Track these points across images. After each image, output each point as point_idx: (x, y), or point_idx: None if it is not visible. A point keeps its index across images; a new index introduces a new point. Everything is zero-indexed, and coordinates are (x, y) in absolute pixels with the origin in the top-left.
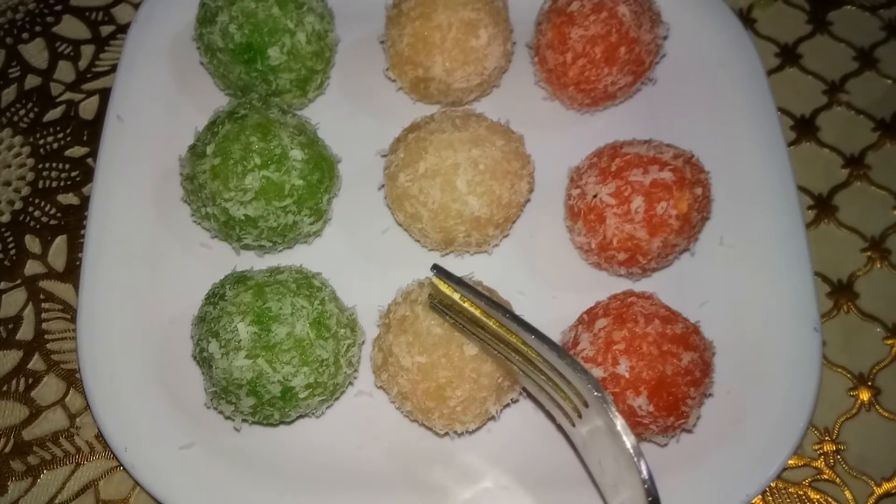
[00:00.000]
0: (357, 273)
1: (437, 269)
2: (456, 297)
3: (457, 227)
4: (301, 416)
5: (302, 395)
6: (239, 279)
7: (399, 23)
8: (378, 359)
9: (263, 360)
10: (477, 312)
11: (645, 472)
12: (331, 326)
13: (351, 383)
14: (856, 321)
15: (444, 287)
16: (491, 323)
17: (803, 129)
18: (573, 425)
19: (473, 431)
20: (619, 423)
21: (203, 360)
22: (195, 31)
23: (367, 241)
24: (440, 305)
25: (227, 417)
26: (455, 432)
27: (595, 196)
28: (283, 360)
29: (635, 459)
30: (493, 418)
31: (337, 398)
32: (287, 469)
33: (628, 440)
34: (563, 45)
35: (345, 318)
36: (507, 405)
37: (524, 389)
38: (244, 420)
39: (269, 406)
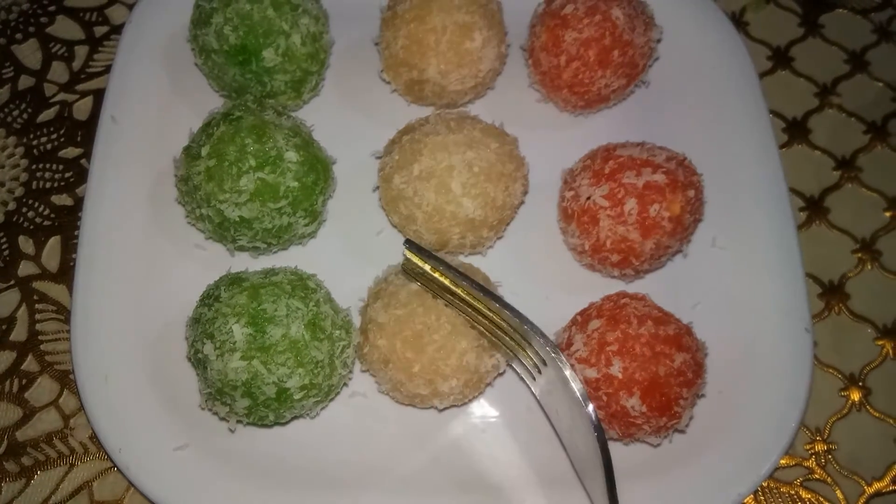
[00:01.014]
0: (352, 274)
1: (409, 243)
2: (427, 267)
3: (451, 228)
4: (296, 417)
5: (297, 397)
6: (234, 280)
7: (394, 25)
8: (360, 340)
9: (258, 362)
10: (447, 282)
11: (593, 416)
12: (326, 328)
13: (345, 384)
14: (847, 322)
15: (415, 259)
16: (459, 291)
17: (795, 131)
18: (534, 379)
19: (461, 403)
20: (569, 373)
21: (198, 362)
22: (189, 32)
23: (362, 242)
24: (413, 273)
25: (222, 419)
26: (442, 402)
27: (588, 198)
28: (278, 362)
29: (583, 403)
30: (482, 383)
31: (332, 399)
32: (281, 470)
33: (577, 388)
34: (557, 48)
35: (339, 319)
36: (495, 377)
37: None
38: (239, 421)
39: (263, 407)
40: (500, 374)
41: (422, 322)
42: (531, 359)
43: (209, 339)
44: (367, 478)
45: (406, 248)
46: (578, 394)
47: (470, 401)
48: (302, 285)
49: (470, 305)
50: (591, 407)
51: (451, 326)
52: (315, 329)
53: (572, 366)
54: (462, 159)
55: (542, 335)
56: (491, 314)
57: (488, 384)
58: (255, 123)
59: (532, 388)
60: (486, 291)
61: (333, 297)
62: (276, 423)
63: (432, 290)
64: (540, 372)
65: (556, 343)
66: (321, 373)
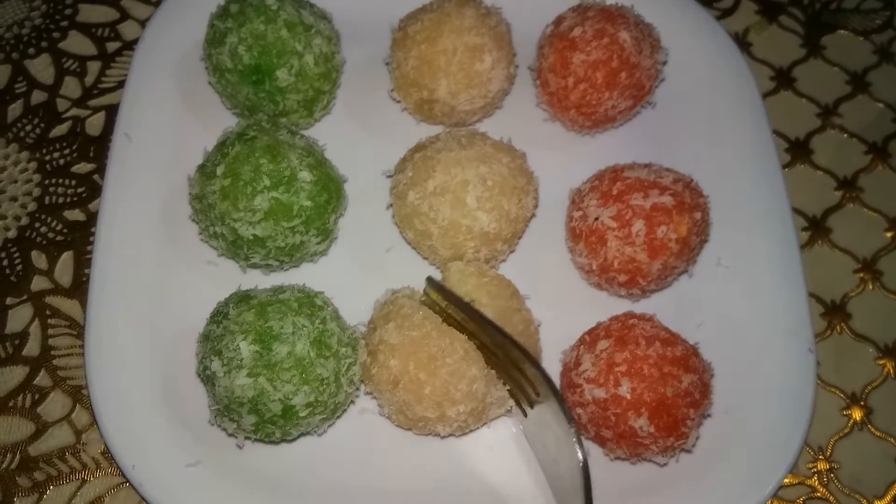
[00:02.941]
0: (362, 291)
1: (430, 280)
2: (444, 303)
3: (466, 242)
4: (303, 435)
5: (302, 414)
6: (242, 298)
7: (405, 46)
8: (367, 361)
9: (264, 379)
10: (459, 318)
11: (581, 456)
12: (332, 345)
13: (352, 402)
14: (849, 342)
15: (434, 295)
16: (471, 326)
17: (798, 151)
18: (530, 409)
19: (467, 430)
20: (573, 429)
21: (206, 378)
22: (203, 51)
23: (372, 259)
24: (432, 306)
25: (230, 435)
26: (445, 428)
27: (596, 219)
28: (283, 379)
29: (576, 444)
30: (485, 415)
31: (339, 416)
32: (294, 487)
33: (572, 429)
34: (565, 70)
35: (346, 336)
36: (499, 416)
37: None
38: (247, 437)
39: (270, 424)
40: (504, 414)
41: (436, 345)
42: (527, 394)
43: (217, 356)
44: (379, 495)
45: (427, 285)
46: (573, 434)
47: (470, 432)
48: (309, 303)
49: (479, 339)
50: (581, 450)
51: (463, 352)
52: (321, 346)
53: (580, 385)
54: (476, 174)
55: (545, 374)
56: (498, 351)
57: (491, 420)
58: (270, 143)
59: (521, 423)
60: (498, 330)
61: (344, 313)
62: (283, 440)
63: (448, 322)
64: (532, 407)
65: (564, 363)
66: (327, 390)
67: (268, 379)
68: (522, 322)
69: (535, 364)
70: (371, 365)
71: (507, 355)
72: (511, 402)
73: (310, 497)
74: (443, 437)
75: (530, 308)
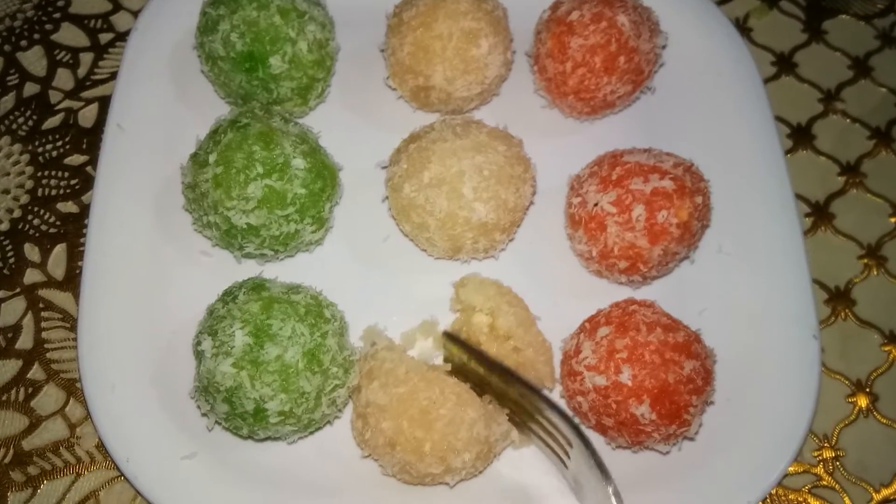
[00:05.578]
0: (358, 280)
1: (447, 335)
2: (465, 357)
3: (464, 234)
4: (270, 438)
5: (273, 420)
6: (256, 287)
7: (400, 32)
8: (358, 425)
9: (246, 374)
10: (481, 371)
11: None
12: (323, 362)
13: (329, 423)
14: (853, 328)
15: (455, 350)
16: (494, 379)
17: (800, 137)
18: (566, 468)
19: (476, 474)
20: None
21: (197, 353)
22: (196, 39)
23: (369, 248)
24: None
25: (203, 415)
26: (454, 478)
27: (596, 205)
28: (264, 381)
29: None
30: (492, 453)
31: (311, 432)
32: (290, 481)
33: (609, 487)
34: (563, 55)
35: (342, 357)
36: (504, 448)
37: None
38: (217, 422)
39: (240, 419)
40: (509, 445)
41: (426, 397)
42: (559, 443)
43: (211, 336)
44: (377, 489)
45: (445, 340)
46: (611, 495)
47: (480, 472)
48: (317, 312)
49: (503, 394)
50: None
51: (455, 397)
52: (312, 360)
53: (581, 373)
54: (472, 164)
55: (570, 420)
56: (523, 401)
57: (497, 455)
58: (263, 130)
59: (564, 478)
60: (526, 385)
61: (341, 305)
62: (250, 437)
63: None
64: (569, 456)
65: (565, 350)
66: (304, 405)
67: (249, 375)
68: (540, 334)
69: (562, 414)
70: (364, 429)
71: (533, 405)
72: (515, 433)
73: (305, 491)
74: (452, 487)
75: (530, 297)
